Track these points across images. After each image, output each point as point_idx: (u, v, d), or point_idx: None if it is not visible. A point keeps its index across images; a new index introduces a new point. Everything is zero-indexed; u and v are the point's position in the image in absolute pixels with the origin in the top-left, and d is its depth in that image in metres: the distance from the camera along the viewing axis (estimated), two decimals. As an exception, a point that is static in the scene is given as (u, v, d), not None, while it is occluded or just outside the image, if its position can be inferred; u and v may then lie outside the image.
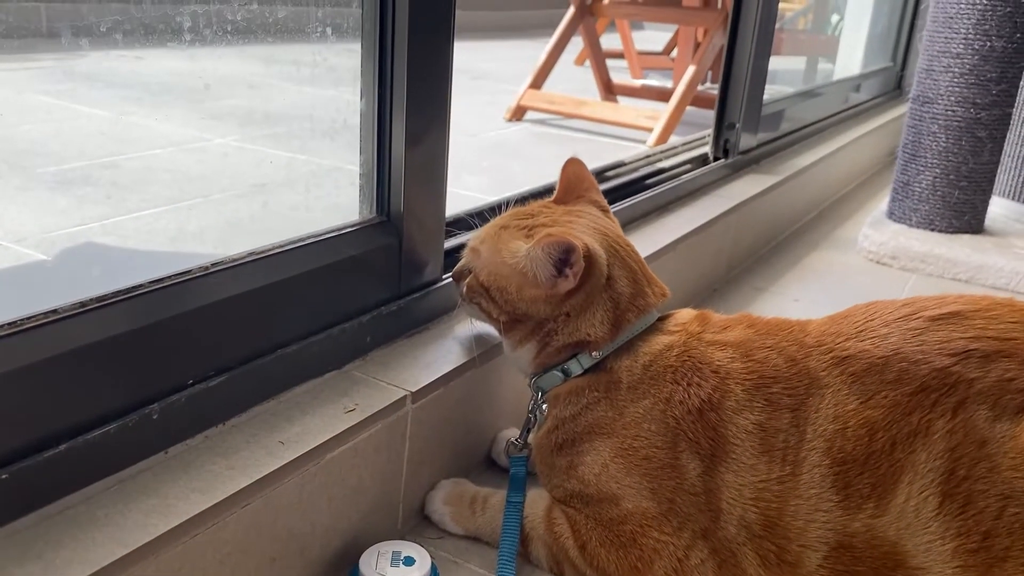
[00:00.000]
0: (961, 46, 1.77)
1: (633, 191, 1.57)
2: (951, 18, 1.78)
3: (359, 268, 0.93)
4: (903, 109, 3.07)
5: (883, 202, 2.10)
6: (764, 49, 1.87)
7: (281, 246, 0.87)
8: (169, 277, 0.75)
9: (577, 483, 0.85)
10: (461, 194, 2.27)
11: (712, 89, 3.27)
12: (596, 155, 2.80)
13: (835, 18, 3.90)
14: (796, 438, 0.78)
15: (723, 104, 1.85)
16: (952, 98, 1.80)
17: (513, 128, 3.17)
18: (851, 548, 0.76)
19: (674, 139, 2.61)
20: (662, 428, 0.82)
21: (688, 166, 1.77)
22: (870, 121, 2.84)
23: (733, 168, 1.84)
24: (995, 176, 1.88)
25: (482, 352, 0.95)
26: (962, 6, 1.76)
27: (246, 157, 2.15)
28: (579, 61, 4.30)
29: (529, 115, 3.35)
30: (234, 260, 0.81)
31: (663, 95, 3.44)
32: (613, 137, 3.11)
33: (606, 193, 1.18)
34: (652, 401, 0.83)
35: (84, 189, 1.70)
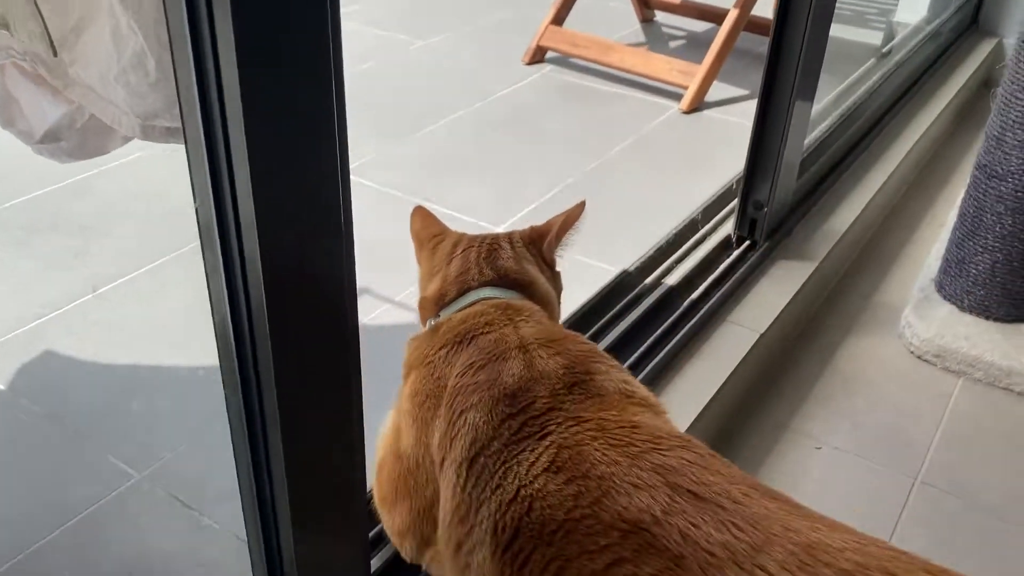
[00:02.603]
0: (1042, 121, 1.47)
1: (633, 339, 1.38)
2: (1034, 86, 1.46)
3: None
4: (985, 51, 2.71)
5: (938, 244, 1.85)
6: (808, 91, 1.58)
7: None
8: None
9: None
10: (456, 217, 2.06)
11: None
12: (623, 122, 2.53)
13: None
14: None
15: (750, 176, 1.59)
16: (1025, 179, 1.51)
17: (531, 77, 2.87)
18: None
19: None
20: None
21: (701, 274, 1.54)
22: (943, 88, 2.48)
23: (760, 257, 1.60)
24: (1067, 261, 1.62)
25: None
26: (1048, 74, 1.44)
27: None
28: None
29: (550, 56, 3.02)
30: None
31: (706, 13, 3.08)
32: (644, 91, 2.80)
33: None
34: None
35: None
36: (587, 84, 2.83)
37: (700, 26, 3.26)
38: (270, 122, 0.59)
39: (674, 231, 1.65)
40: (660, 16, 3.35)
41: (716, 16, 3.07)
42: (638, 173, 2.31)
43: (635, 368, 1.32)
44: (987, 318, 1.65)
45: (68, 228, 1.97)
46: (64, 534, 1.26)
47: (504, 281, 1.00)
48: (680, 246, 1.62)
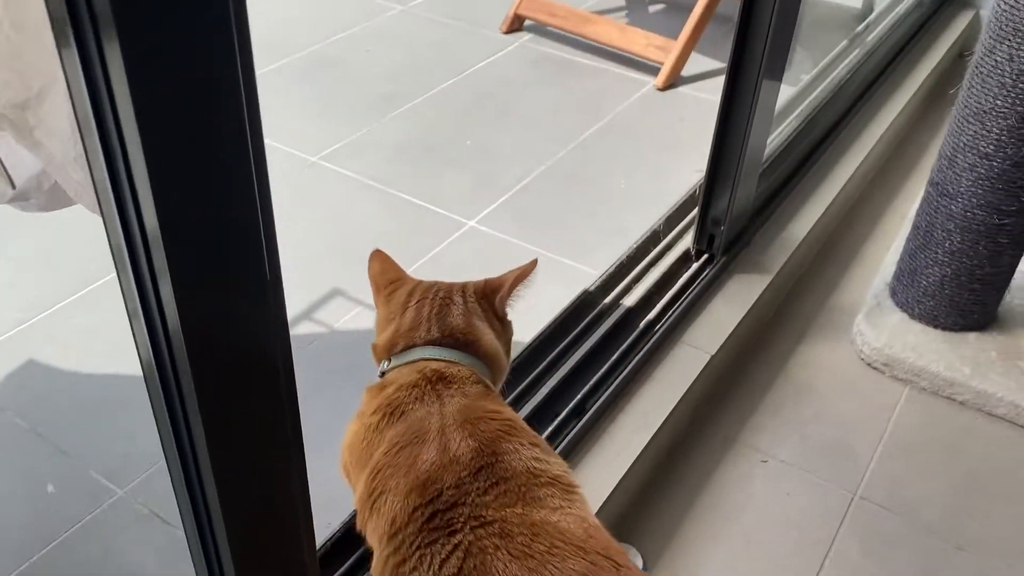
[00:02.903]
0: (992, 147, 1.50)
1: (590, 365, 1.44)
2: (984, 112, 1.49)
3: None
4: (961, 25, 2.71)
5: (898, 240, 1.90)
6: (766, 114, 1.61)
7: None
8: None
9: None
10: (430, 210, 2.08)
11: None
12: (599, 100, 2.55)
13: None
14: None
15: (710, 188, 1.62)
16: (974, 200, 1.56)
17: (508, 48, 2.87)
18: None
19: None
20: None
21: (660, 291, 1.59)
22: (917, 68, 2.48)
23: (717, 271, 1.65)
24: (1013, 276, 1.68)
25: None
26: (999, 103, 1.47)
27: None
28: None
29: (528, 23, 3.00)
30: None
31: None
32: (622, 63, 2.80)
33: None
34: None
35: None
36: (564, 56, 2.82)
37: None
38: (177, 173, 0.58)
39: (635, 245, 1.69)
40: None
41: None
42: (612, 157, 2.34)
43: (591, 395, 1.39)
44: (936, 327, 1.71)
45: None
46: (45, 558, 1.34)
47: (449, 340, 1.06)
48: (642, 259, 1.67)
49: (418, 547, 0.85)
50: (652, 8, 3.18)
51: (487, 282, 1.13)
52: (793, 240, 1.78)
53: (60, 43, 0.56)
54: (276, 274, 0.69)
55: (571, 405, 1.36)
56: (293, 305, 1.81)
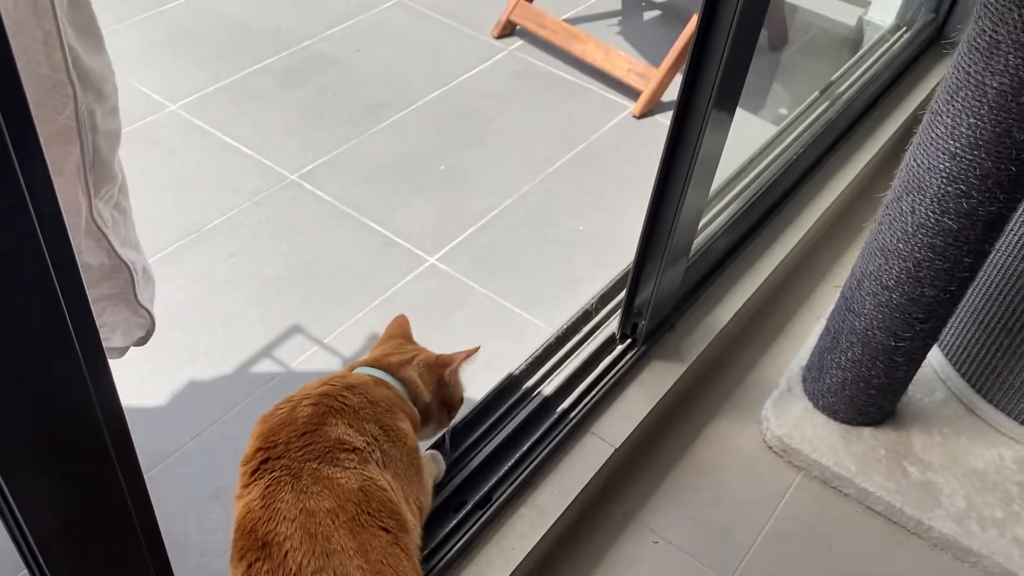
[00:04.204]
0: (893, 282, 1.63)
1: (504, 453, 1.61)
2: (888, 251, 1.61)
3: None
4: (942, 71, 2.74)
5: (823, 319, 2.03)
6: (693, 212, 1.72)
7: None
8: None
9: None
10: (395, 242, 2.21)
11: None
12: (576, 124, 2.65)
13: None
14: None
15: (636, 281, 1.75)
16: (875, 322, 1.69)
17: (497, 57, 2.95)
18: None
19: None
20: None
21: (579, 376, 1.74)
22: (891, 117, 2.54)
23: (637, 357, 1.80)
24: (909, 384, 1.82)
25: None
26: (900, 246, 1.59)
27: None
28: None
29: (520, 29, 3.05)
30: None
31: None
32: (605, 85, 2.89)
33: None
34: None
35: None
36: (550, 70, 2.90)
37: (680, -8, 3.26)
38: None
39: (565, 326, 1.84)
40: None
41: (693, -10, 3.08)
42: (577, 193, 2.46)
43: (498, 486, 1.56)
44: (836, 419, 1.87)
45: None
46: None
47: (375, 364, 1.40)
48: (572, 337, 1.82)
49: (248, 478, 1.16)
50: (647, 15, 3.22)
51: (438, 357, 1.45)
52: (718, 324, 1.92)
53: None
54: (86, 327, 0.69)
55: (478, 496, 1.53)
56: (253, 342, 2.00)
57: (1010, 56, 1.32)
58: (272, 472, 1.14)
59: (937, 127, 1.47)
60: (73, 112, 0.99)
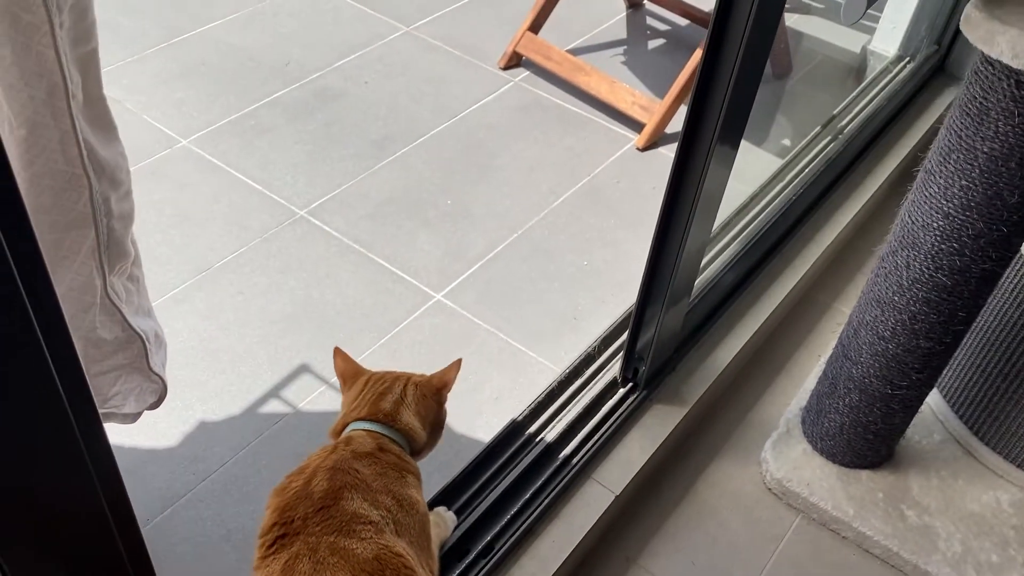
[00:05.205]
0: (889, 332, 1.65)
1: (506, 503, 1.64)
2: (884, 302, 1.64)
3: None
4: (947, 101, 2.77)
5: (825, 357, 2.06)
6: (694, 257, 1.75)
7: None
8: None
9: None
10: (401, 279, 2.25)
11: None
12: (580, 158, 2.68)
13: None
14: None
15: (637, 326, 1.78)
16: (872, 370, 1.72)
17: (503, 88, 2.98)
18: None
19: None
20: None
21: (581, 421, 1.78)
22: (893, 151, 2.57)
23: (638, 401, 1.83)
24: (906, 428, 1.85)
25: None
26: (896, 298, 1.62)
27: None
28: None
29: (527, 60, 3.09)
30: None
31: (690, 14, 3.14)
32: (610, 117, 2.92)
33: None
34: None
35: None
36: (556, 102, 2.93)
37: (685, 21, 3.29)
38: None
39: (567, 370, 1.87)
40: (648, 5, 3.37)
41: (700, 19, 3.11)
42: (580, 228, 2.49)
43: (502, 535, 1.59)
44: (834, 462, 1.90)
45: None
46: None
47: (374, 416, 1.39)
48: (574, 381, 1.86)
49: (266, 550, 1.17)
50: (652, 44, 3.25)
51: (430, 378, 1.46)
52: (718, 365, 1.95)
53: None
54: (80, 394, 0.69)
55: (481, 546, 1.57)
56: (261, 381, 2.04)
57: (999, 123, 1.34)
58: (291, 548, 1.16)
59: (931, 186, 1.50)
60: (89, 200, 1.03)
